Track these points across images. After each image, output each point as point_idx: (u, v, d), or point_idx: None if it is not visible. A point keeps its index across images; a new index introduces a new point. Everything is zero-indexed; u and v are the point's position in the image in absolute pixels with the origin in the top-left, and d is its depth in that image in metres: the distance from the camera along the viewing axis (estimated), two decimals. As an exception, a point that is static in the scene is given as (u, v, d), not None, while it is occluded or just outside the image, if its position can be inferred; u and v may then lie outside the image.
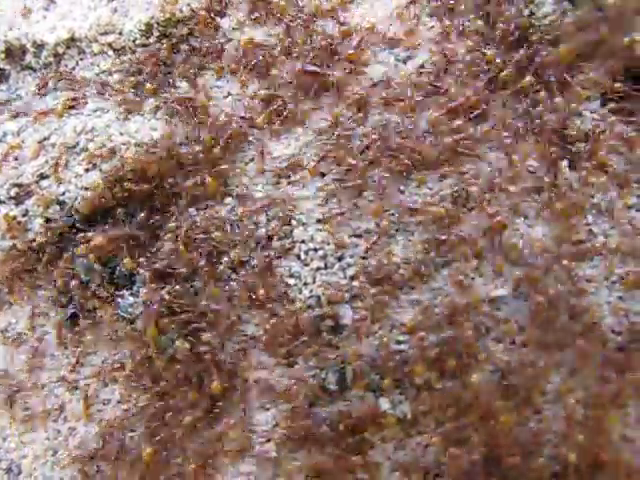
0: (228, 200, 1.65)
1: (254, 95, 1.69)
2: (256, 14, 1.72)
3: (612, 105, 1.64)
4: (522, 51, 1.67)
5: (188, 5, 1.69)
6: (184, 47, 1.70)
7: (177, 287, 1.63)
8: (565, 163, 1.61)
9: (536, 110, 1.64)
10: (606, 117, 1.63)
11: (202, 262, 1.63)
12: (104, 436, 1.66)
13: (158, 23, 1.68)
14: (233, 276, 1.63)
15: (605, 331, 1.55)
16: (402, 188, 1.61)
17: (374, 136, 1.62)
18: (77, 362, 1.70)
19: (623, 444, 1.54)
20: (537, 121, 1.64)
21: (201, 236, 1.63)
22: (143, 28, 1.68)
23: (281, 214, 1.62)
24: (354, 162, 1.63)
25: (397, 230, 1.59)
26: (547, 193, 1.59)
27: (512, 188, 1.59)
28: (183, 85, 1.70)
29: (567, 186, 1.59)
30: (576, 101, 1.63)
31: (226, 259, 1.63)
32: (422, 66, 1.66)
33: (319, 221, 1.62)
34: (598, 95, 1.64)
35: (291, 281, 1.61)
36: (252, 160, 1.66)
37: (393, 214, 1.60)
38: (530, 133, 1.63)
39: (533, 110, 1.65)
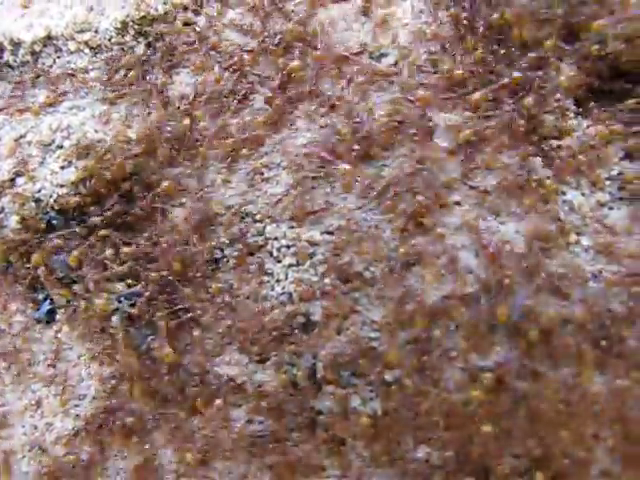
0: (203, 196, 1.66)
1: (229, 93, 1.70)
2: (232, 12, 1.72)
3: (586, 102, 1.63)
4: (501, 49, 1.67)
5: (164, 3, 1.70)
6: (160, 45, 1.71)
7: (151, 284, 1.64)
8: (538, 160, 1.60)
9: (510, 107, 1.64)
10: (580, 114, 1.63)
11: (177, 260, 1.64)
12: (80, 432, 1.68)
13: (133, 21, 1.69)
14: (207, 273, 1.64)
15: (578, 329, 1.55)
16: (374, 185, 1.61)
17: (346, 131, 1.63)
18: (54, 358, 1.71)
19: (594, 443, 1.54)
20: (511, 118, 1.63)
21: (175, 234, 1.64)
22: (119, 26, 1.69)
23: (254, 211, 1.63)
24: (328, 159, 1.63)
25: (369, 227, 1.59)
26: (520, 190, 1.59)
27: (484, 185, 1.59)
28: (159, 83, 1.71)
29: (539, 183, 1.59)
30: (550, 97, 1.63)
31: (200, 257, 1.64)
32: (396, 63, 1.67)
33: (292, 218, 1.62)
34: (573, 91, 1.63)
35: (264, 278, 1.61)
36: (227, 157, 1.67)
37: (366, 211, 1.60)
38: (504, 129, 1.63)
39: (507, 107, 1.64)
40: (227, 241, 1.64)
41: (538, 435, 1.53)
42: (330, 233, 1.60)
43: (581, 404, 1.53)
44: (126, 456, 1.67)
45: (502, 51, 1.66)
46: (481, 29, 1.67)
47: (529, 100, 1.62)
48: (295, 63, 1.67)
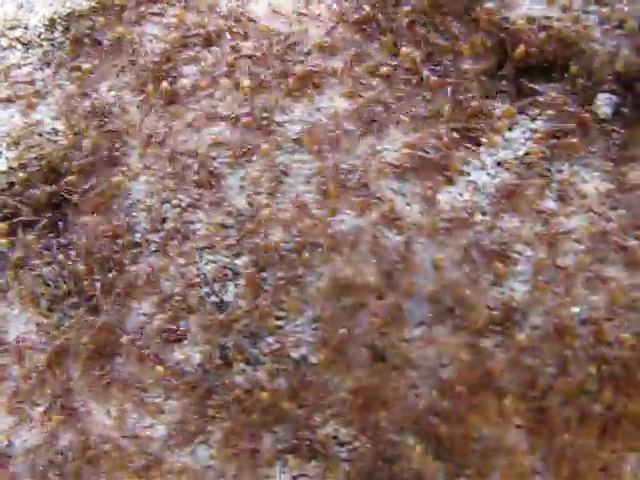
0: (125, 184, 1.73)
1: (152, 90, 1.76)
2: (155, 8, 1.79)
3: (495, 82, 1.67)
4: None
5: (87, 0, 1.78)
6: (87, 41, 1.79)
7: (77, 268, 1.72)
8: (445, 141, 1.64)
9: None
10: (488, 95, 1.66)
11: (100, 246, 1.71)
12: (13, 412, 1.76)
13: (61, 18, 1.77)
14: (128, 257, 1.71)
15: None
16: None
17: (260, 118, 1.68)
18: (-7, 341, 1.80)
19: (500, 421, 1.56)
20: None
21: (97, 220, 1.72)
22: (47, 23, 1.77)
23: (172, 197, 1.69)
24: (245, 145, 1.69)
25: (278, 210, 1.64)
26: (425, 171, 1.63)
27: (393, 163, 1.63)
28: (87, 77, 1.79)
29: (445, 163, 1.63)
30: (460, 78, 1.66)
31: (122, 242, 1.71)
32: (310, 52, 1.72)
33: (211, 204, 1.68)
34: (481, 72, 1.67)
35: (181, 261, 1.67)
36: (149, 146, 1.73)
37: (275, 195, 1.66)
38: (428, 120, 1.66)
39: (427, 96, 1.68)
40: (148, 227, 1.71)
41: (442, 413, 1.56)
42: (242, 216, 1.66)
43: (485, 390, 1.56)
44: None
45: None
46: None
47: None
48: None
